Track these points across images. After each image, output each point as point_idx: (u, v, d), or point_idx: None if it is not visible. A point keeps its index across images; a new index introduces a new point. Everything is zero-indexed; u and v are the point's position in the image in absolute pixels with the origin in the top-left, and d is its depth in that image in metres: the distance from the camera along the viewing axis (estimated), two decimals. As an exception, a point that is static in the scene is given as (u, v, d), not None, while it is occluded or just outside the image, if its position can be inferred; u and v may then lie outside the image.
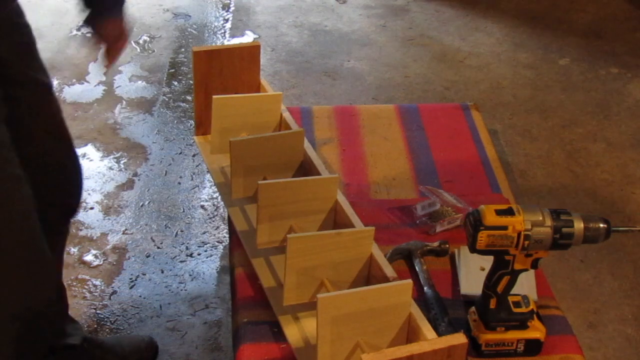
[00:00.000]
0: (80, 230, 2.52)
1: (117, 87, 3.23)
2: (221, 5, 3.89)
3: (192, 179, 2.75)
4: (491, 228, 1.37)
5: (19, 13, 1.58)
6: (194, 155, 2.85)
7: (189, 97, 3.16)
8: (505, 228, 1.37)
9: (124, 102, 3.14)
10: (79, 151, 2.84)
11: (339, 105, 2.91)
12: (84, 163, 2.79)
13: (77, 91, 3.18)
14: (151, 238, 2.50)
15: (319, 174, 1.70)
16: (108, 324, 2.21)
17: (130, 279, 2.36)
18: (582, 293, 2.37)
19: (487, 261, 1.45)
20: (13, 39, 1.57)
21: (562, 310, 1.64)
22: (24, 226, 1.55)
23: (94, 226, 2.54)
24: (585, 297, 2.36)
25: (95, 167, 2.79)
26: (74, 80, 3.25)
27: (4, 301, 1.57)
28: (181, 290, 2.32)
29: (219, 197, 2.57)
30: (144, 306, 2.27)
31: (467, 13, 3.87)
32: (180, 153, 2.87)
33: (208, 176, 2.72)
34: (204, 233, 2.53)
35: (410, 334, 1.40)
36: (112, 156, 2.84)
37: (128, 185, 2.72)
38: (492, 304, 1.47)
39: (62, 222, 1.88)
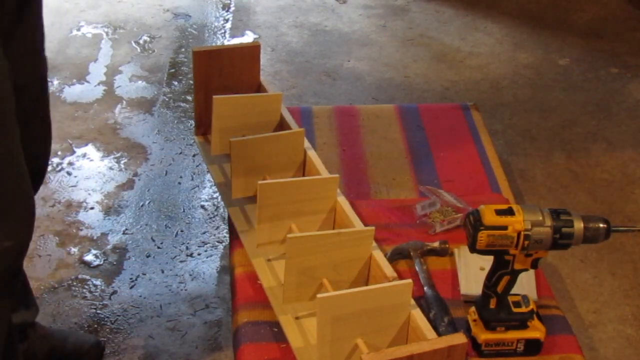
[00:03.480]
0: (81, 230, 2.52)
1: (117, 87, 3.23)
2: (221, 5, 3.89)
3: (192, 179, 2.75)
4: (491, 228, 1.37)
5: None
6: (194, 155, 2.85)
7: (189, 97, 3.16)
8: (505, 228, 1.37)
9: (124, 102, 3.14)
10: (79, 151, 2.84)
11: (339, 105, 2.91)
12: (84, 163, 2.79)
13: (77, 91, 3.18)
14: (151, 238, 2.50)
15: (319, 174, 1.70)
16: (108, 324, 2.21)
17: (131, 278, 2.36)
18: (582, 293, 2.37)
19: (487, 261, 1.45)
20: None
21: (562, 310, 1.64)
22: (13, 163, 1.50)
23: (94, 226, 2.54)
24: (585, 297, 2.36)
25: (96, 167, 2.79)
26: (74, 80, 3.25)
27: None
28: (181, 290, 2.32)
29: (219, 197, 2.57)
30: (144, 306, 2.27)
31: (467, 13, 3.87)
32: (181, 153, 2.87)
33: (208, 176, 2.72)
34: (204, 233, 2.53)
35: (410, 334, 1.40)
36: (112, 156, 2.84)
37: (128, 185, 2.72)
38: (492, 303, 1.47)
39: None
